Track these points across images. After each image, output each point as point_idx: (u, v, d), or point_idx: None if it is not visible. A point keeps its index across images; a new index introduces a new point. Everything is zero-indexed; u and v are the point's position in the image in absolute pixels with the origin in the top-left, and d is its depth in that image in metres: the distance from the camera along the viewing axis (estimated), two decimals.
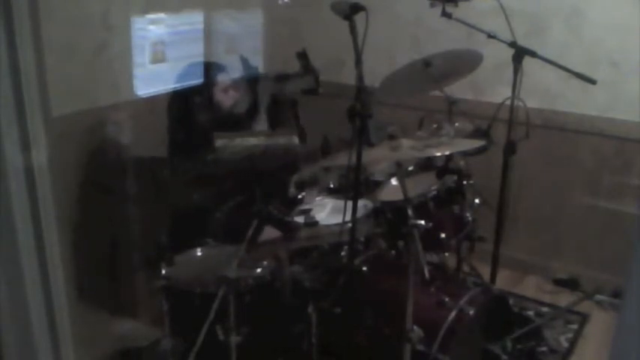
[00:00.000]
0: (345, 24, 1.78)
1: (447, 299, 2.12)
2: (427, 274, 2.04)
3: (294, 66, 2.15)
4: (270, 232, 2.08)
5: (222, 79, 2.69)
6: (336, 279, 2.16)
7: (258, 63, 3.30)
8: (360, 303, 2.21)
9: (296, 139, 2.24)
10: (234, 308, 1.94)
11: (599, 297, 2.99)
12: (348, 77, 2.04)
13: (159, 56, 2.86)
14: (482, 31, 2.47)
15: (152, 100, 2.83)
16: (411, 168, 2.57)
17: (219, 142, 2.19)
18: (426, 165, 2.57)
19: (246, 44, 3.29)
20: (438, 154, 2.21)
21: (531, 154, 2.98)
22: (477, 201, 2.56)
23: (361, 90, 1.76)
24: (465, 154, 2.48)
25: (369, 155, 1.89)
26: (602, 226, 3.07)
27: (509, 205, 2.67)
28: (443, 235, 2.42)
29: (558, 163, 3.15)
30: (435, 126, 2.46)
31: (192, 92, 2.68)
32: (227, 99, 2.69)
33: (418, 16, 3.27)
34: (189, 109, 2.66)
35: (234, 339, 1.98)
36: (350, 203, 1.83)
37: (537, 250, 3.28)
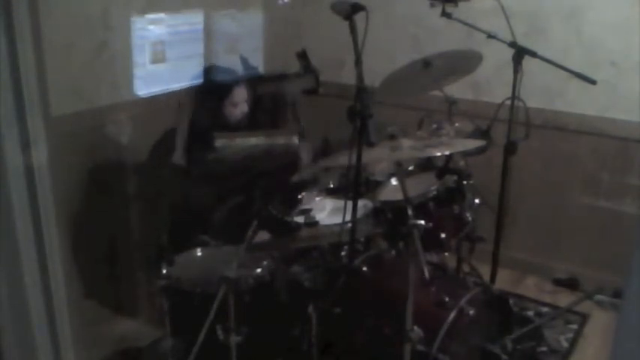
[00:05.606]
0: (345, 24, 1.78)
1: (447, 299, 2.12)
2: (427, 274, 2.04)
3: (294, 66, 2.14)
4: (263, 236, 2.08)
5: (237, 91, 2.67)
6: (336, 279, 2.16)
7: (258, 63, 3.30)
8: (360, 303, 2.21)
9: (296, 139, 2.24)
10: (234, 308, 1.94)
11: (599, 297, 2.99)
12: (348, 77, 2.04)
13: (159, 56, 2.86)
14: (482, 31, 2.47)
15: (152, 100, 2.84)
16: (411, 168, 2.57)
17: (219, 142, 2.19)
18: (426, 165, 2.57)
19: (246, 44, 3.29)
20: (438, 154, 2.21)
21: (531, 154, 2.98)
22: (477, 201, 2.55)
23: (361, 90, 1.76)
24: (465, 154, 2.48)
25: (369, 155, 1.89)
26: (602, 226, 3.07)
27: (509, 205, 2.67)
28: (443, 235, 2.42)
29: (558, 163, 3.15)
30: (435, 126, 2.46)
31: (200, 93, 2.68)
32: (236, 113, 2.67)
33: (418, 16, 3.27)
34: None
35: (234, 339, 1.98)
36: (350, 203, 1.83)
37: (537, 250, 3.28)
